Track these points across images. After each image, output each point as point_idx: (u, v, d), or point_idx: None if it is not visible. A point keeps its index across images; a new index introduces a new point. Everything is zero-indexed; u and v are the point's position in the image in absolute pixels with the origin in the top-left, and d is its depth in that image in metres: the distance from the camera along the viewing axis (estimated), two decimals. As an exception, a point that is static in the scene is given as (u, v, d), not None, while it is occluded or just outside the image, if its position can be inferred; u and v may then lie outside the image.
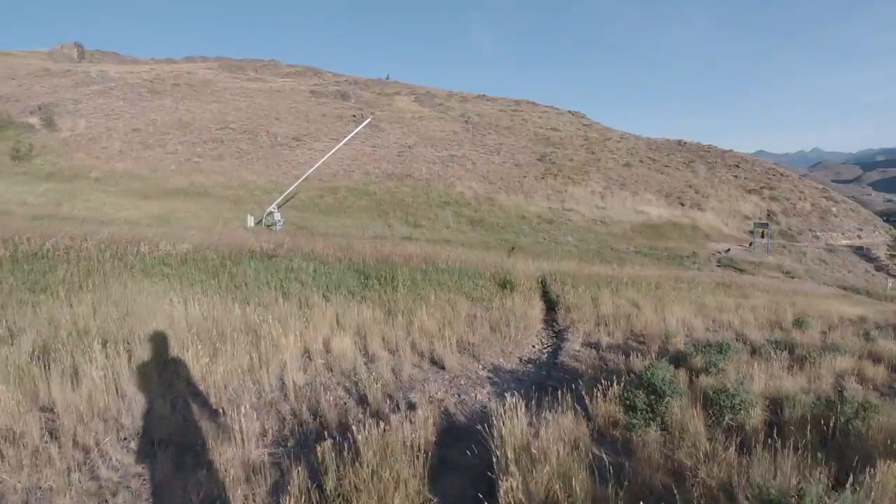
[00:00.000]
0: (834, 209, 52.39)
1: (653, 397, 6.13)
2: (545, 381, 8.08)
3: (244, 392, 6.45)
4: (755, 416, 6.28)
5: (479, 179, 50.02)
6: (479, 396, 7.26)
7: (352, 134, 39.49)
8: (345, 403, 6.57)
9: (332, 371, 7.49)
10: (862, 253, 45.80)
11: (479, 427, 5.36)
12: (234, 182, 44.50)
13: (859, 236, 49.09)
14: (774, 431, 5.17)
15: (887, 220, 60.60)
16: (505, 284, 14.11)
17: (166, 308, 8.75)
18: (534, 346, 10.35)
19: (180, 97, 65.57)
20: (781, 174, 60.09)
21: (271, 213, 35.03)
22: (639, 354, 9.19)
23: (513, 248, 35.17)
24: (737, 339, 11.68)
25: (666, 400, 6.03)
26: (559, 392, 7.58)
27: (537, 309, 12.56)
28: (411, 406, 6.56)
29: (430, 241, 34.81)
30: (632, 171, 56.57)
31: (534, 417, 5.50)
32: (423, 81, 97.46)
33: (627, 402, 6.07)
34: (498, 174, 51.62)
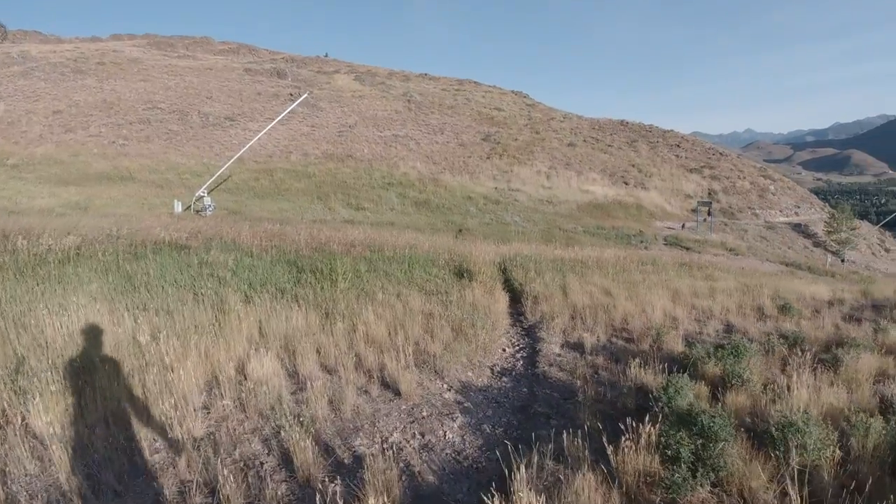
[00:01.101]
0: (772, 187, 52.91)
1: (699, 440, 4.34)
2: (530, 404, 6.23)
3: (107, 465, 4.30)
4: (827, 456, 4.59)
5: (423, 159, 47.87)
6: (448, 434, 5.34)
7: (287, 110, 36.57)
8: (261, 465, 4.51)
9: (246, 410, 5.40)
10: (800, 230, 46.32)
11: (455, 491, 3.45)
12: (162, 165, 40.92)
13: (797, 213, 49.69)
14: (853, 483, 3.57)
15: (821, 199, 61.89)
16: (462, 273, 12.20)
17: (32, 322, 6.43)
18: (504, 350, 8.49)
19: (105, 76, 60.56)
20: (721, 154, 60.42)
21: (201, 197, 32.03)
22: (634, 358, 7.49)
23: (460, 230, 33.38)
24: (727, 331, 10.22)
25: (721, 446, 4.24)
26: (552, 420, 5.76)
27: (502, 301, 10.73)
28: (357, 460, 4.57)
29: (374, 225, 32.58)
30: (576, 151, 55.59)
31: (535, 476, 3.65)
32: (363, 60, 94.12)
33: (668, 451, 4.25)
34: (442, 154, 49.60)
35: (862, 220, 52.83)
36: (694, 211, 46.55)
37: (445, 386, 6.55)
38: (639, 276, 15.31)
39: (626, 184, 50.47)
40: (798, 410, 5.01)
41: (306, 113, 58.78)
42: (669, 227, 42.78)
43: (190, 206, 31.17)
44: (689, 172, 54.46)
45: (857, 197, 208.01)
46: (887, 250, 48.60)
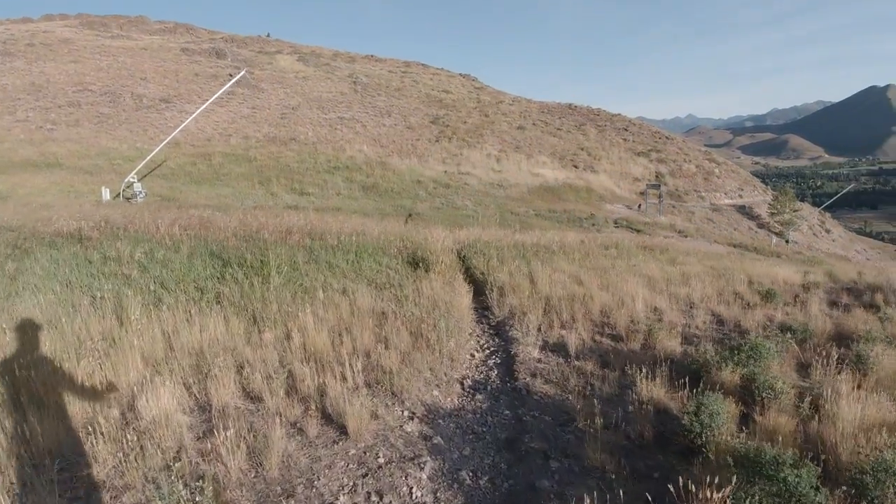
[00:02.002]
0: (717, 171, 53.25)
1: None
2: (518, 435, 4.79)
3: None
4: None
5: (370, 142, 45.78)
6: (416, 492, 3.84)
7: (224, 89, 33.90)
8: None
9: (125, 474, 3.72)
10: (744, 211, 46.68)
11: None
12: (92, 150, 37.52)
13: (740, 196, 50.12)
14: None
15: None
16: (417, 262, 10.65)
17: None
18: (473, 356, 7.02)
19: (34, 58, 55.67)
20: (667, 137, 60.56)
21: (131, 183, 29.27)
22: (629, 364, 6.15)
23: (410, 215, 31.74)
24: (718, 323, 9.07)
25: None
26: (551, 461, 4.34)
27: (464, 294, 9.23)
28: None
29: (319, 210, 30.55)
30: (525, 134, 54.51)
31: None
32: (307, 42, 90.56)
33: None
34: (390, 137, 47.64)
35: (801, 202, 53.76)
36: (642, 194, 46.25)
37: (406, 413, 5.02)
38: (606, 261, 14.12)
39: (576, 167, 49.74)
40: (857, 432, 3.73)
41: (247, 94, 55.65)
42: (620, 210, 42.31)
43: (119, 194, 28.45)
44: (637, 156, 54.22)
45: (794, 180, 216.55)
46: (827, 231, 49.68)
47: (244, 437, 4.17)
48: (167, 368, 5.19)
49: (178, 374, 5.14)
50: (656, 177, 50.47)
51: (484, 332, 8.20)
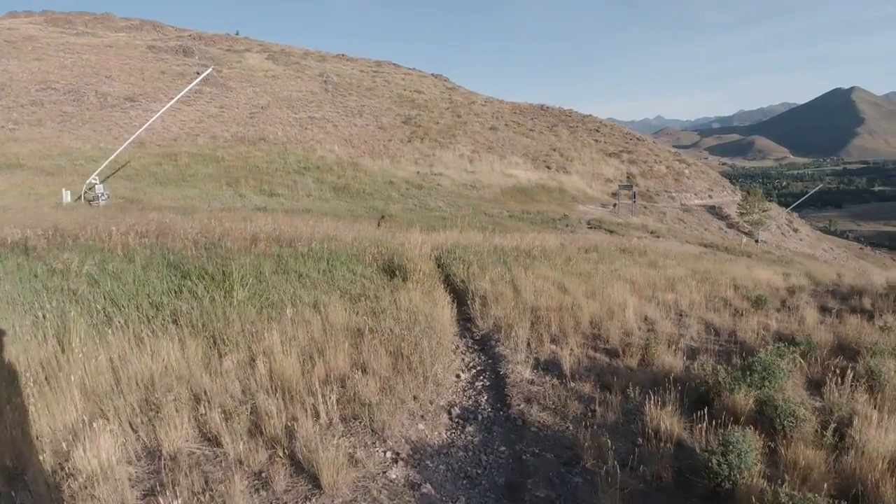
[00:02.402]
0: (687, 171, 53.58)
1: None
2: (520, 480, 4.19)
3: None
4: None
5: (341, 143, 44.78)
6: (403, 563, 3.17)
7: (189, 87, 32.59)
8: None
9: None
10: (714, 212, 46.99)
11: None
12: (55, 151, 35.84)
13: (710, 196, 50.48)
14: None
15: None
16: (394, 271, 9.97)
17: None
18: (459, 378, 6.40)
19: (-3, 56, 53.45)
20: (638, 138, 60.82)
21: (92, 185, 27.92)
22: (629, 384, 5.61)
23: (383, 217, 30.98)
24: (712, 333, 8.60)
25: None
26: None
27: (445, 306, 8.56)
28: None
29: (288, 212, 29.58)
30: (498, 135, 54.12)
31: None
32: (277, 40, 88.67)
33: None
34: (362, 137, 46.74)
35: (769, 202, 54.37)
36: (614, 194, 46.24)
37: (389, 454, 4.36)
38: (588, 265, 13.65)
39: (549, 168, 49.52)
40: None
41: (215, 93, 54.13)
42: (593, 210, 42.17)
43: (81, 196, 27.12)
44: (609, 157, 54.25)
45: (760, 180, 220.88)
46: (795, 230, 50.32)
47: (198, 495, 3.47)
48: (112, 406, 4.45)
49: (124, 412, 4.39)
50: (627, 178, 50.52)
51: (468, 347, 7.59)
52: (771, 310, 10.19)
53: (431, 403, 5.38)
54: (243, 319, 6.45)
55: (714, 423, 4.49)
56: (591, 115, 65.95)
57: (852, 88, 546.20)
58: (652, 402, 4.87)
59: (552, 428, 4.97)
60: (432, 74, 74.25)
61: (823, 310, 10.65)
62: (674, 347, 7.08)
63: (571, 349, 6.99)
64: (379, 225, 26.22)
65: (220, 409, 4.51)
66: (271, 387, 5.01)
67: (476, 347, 7.55)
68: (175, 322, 6.33)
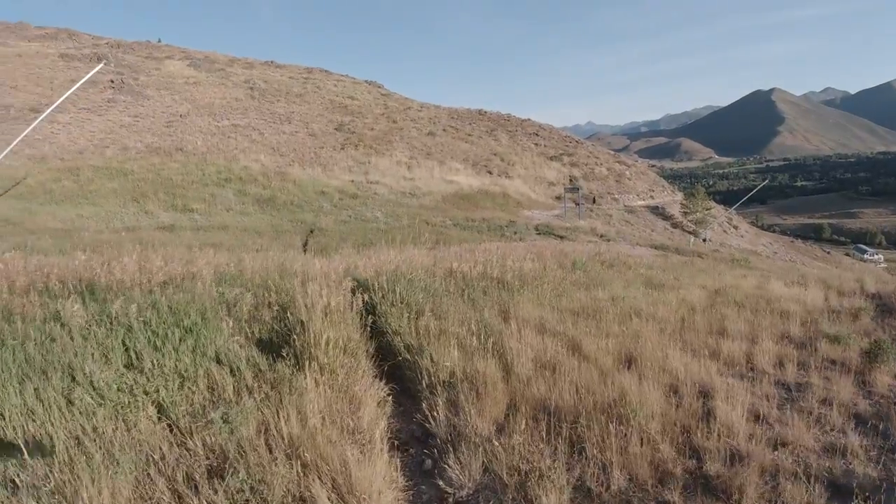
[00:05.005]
0: (627, 172, 51.95)
1: None
2: None
3: None
4: None
5: (268, 151, 40.58)
6: None
7: (76, 87, 27.81)
8: None
9: None
10: (658, 212, 45.34)
11: None
12: (-62, 170, 30.87)
13: (652, 197, 48.91)
14: None
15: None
16: (283, 340, 5.34)
17: None
18: None
19: None
20: (577, 141, 59.03)
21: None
22: None
23: (312, 231, 27.33)
24: (850, 419, 5.05)
25: None
26: None
27: (376, 433, 4.18)
28: None
29: (199, 230, 25.56)
30: (436, 141, 51.08)
31: None
32: (203, 49, 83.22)
33: None
34: (290, 145, 42.66)
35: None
36: (559, 198, 43.94)
37: None
38: (581, 294, 9.48)
39: (490, 173, 46.76)
40: None
41: (129, 102, 48.98)
42: (539, 215, 39.74)
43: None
44: (550, 160, 52.05)
45: (688, 180, 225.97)
46: (735, 227, 49.29)
47: None
48: None
49: None
50: (570, 180, 48.32)
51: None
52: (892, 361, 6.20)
53: None
54: None
55: None
56: (529, 120, 63.82)
57: (772, 90, 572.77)
58: None
59: None
60: (366, 81, 70.62)
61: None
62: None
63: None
64: (306, 243, 22.74)
65: None
66: None
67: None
68: None
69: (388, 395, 4.92)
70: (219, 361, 4.79)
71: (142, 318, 5.16)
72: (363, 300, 6.34)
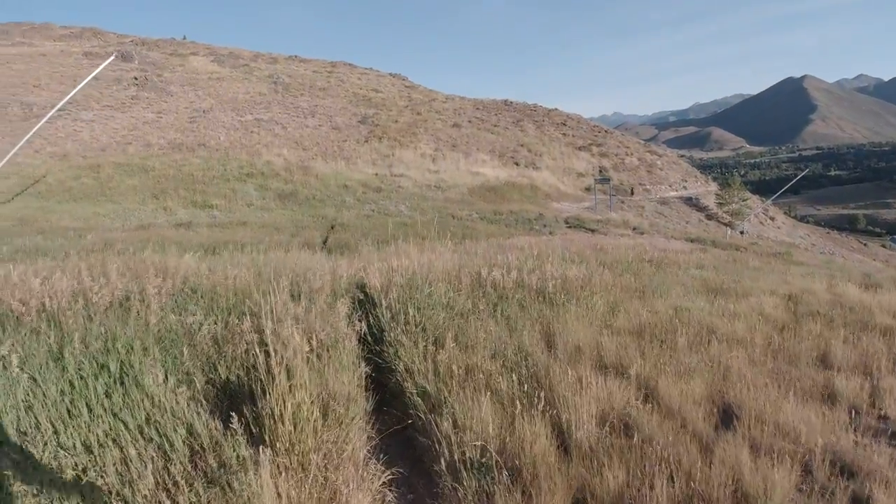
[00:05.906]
0: (658, 163, 49.72)
1: None
2: None
3: None
4: None
5: (291, 146, 39.61)
6: None
7: (89, 77, 27.02)
8: None
9: None
10: (692, 203, 43.18)
11: None
12: (-36, 168, 30.47)
13: (685, 188, 46.67)
14: None
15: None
16: (248, 392, 3.76)
17: None
18: None
19: (-81, 70, 47.36)
20: (606, 131, 56.81)
21: (-25, 206, 22.83)
22: None
23: (333, 227, 26.20)
24: None
25: None
26: None
27: None
28: None
29: (216, 226, 24.55)
30: (462, 132, 49.55)
31: None
32: (228, 45, 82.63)
33: None
34: (314, 139, 41.63)
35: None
36: (588, 189, 42.10)
37: None
38: (637, 304, 7.73)
39: (517, 164, 45.11)
40: None
41: (153, 98, 48.51)
42: (569, 208, 38.09)
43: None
44: (578, 150, 50.11)
45: (719, 170, 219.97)
46: (772, 218, 46.79)
47: None
48: None
49: None
50: (600, 171, 46.39)
51: None
52: None
53: None
54: None
55: None
56: (556, 109, 61.76)
57: (804, 77, 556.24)
58: None
59: None
60: (390, 74, 69.32)
61: None
62: None
63: None
64: (326, 239, 21.58)
65: None
66: None
67: None
68: None
69: (391, 480, 3.40)
70: (154, 433, 3.27)
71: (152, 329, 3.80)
72: (368, 322, 4.89)
